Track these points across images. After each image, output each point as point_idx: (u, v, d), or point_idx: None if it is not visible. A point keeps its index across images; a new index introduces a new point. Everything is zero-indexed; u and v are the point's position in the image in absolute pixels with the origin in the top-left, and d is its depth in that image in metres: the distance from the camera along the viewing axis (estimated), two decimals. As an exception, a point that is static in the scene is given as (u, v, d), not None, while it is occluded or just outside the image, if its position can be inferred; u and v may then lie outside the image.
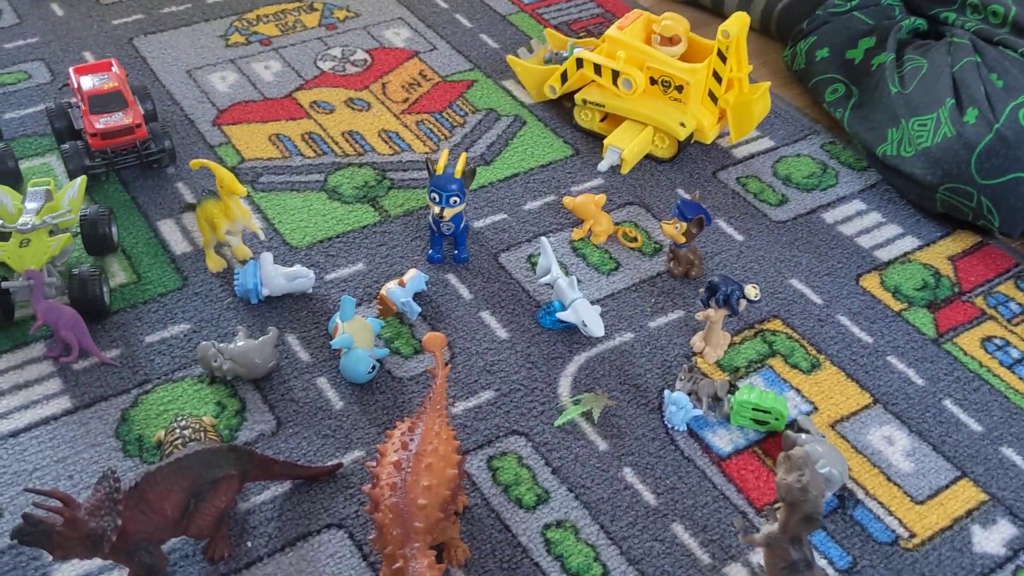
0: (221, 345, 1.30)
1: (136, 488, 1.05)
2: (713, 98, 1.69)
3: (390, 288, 1.41)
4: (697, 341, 1.40)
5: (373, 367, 1.31)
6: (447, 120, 1.80)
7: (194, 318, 1.41)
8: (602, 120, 1.77)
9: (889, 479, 1.26)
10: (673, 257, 1.51)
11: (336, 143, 1.73)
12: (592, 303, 1.45)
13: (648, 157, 1.73)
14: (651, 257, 1.55)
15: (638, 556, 1.15)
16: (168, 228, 1.55)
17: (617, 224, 1.60)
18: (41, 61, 1.89)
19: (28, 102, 1.79)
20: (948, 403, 1.35)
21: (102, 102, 1.56)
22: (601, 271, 1.52)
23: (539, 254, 1.54)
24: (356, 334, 1.32)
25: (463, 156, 1.47)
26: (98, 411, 1.28)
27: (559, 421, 1.29)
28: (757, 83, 1.72)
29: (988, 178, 1.49)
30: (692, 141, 1.74)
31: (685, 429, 1.29)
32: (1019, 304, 1.51)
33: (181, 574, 1.11)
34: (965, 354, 1.42)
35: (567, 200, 1.57)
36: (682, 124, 1.67)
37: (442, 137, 1.76)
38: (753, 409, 1.28)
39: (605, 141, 1.69)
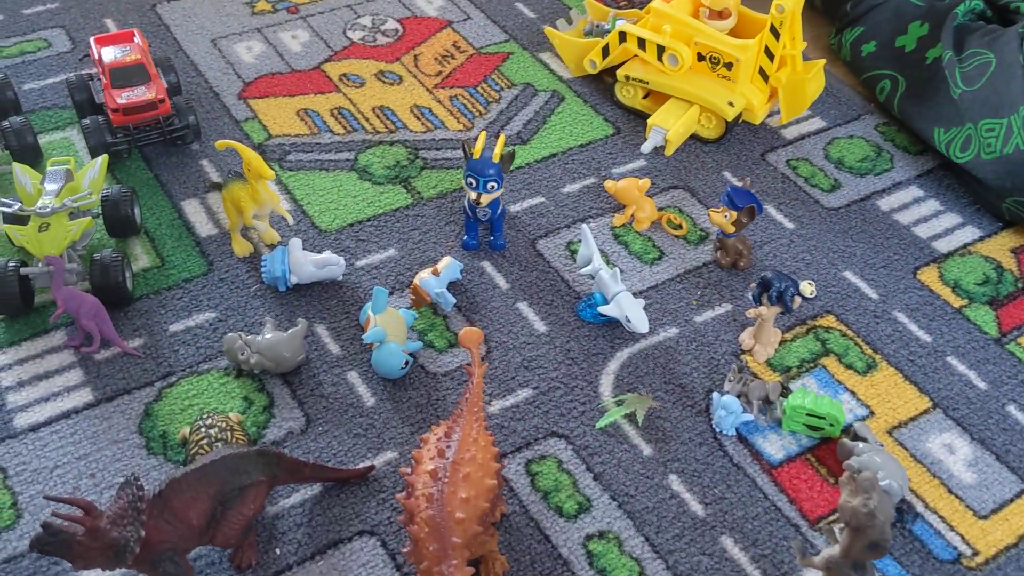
0: (248, 338, 1.24)
1: (160, 496, 1.00)
2: (764, 76, 1.60)
3: (423, 278, 1.34)
4: (746, 338, 1.33)
5: (406, 362, 1.25)
6: (482, 95, 1.72)
7: (220, 306, 1.35)
8: (644, 97, 1.68)
9: (950, 491, 1.19)
10: (720, 247, 1.44)
11: (367, 119, 1.66)
12: (635, 296, 1.37)
13: (693, 137, 1.65)
14: (696, 246, 1.48)
15: (685, 571, 1.10)
16: (193, 209, 1.48)
17: (661, 210, 1.52)
18: (61, 28, 1.82)
19: (48, 72, 1.72)
20: (1012, 408, 1.28)
21: (124, 75, 1.49)
22: (644, 260, 1.45)
23: (579, 242, 1.46)
24: (389, 327, 1.26)
25: (501, 138, 1.39)
26: (120, 405, 1.23)
27: (601, 423, 1.23)
28: (811, 60, 1.62)
29: None
30: (740, 121, 1.65)
31: (734, 434, 1.23)
32: (1087, 302, 1.43)
33: (207, 582, 1.07)
34: (1030, 356, 1.35)
35: (609, 184, 1.49)
36: (731, 103, 1.58)
37: (476, 114, 1.68)
38: (807, 414, 1.21)
39: (649, 121, 1.61)
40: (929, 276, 1.45)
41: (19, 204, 1.29)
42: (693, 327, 1.36)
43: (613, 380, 1.29)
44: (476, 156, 1.36)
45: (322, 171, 1.56)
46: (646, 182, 1.48)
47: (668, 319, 1.37)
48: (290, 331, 1.25)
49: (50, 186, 1.33)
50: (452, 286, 1.38)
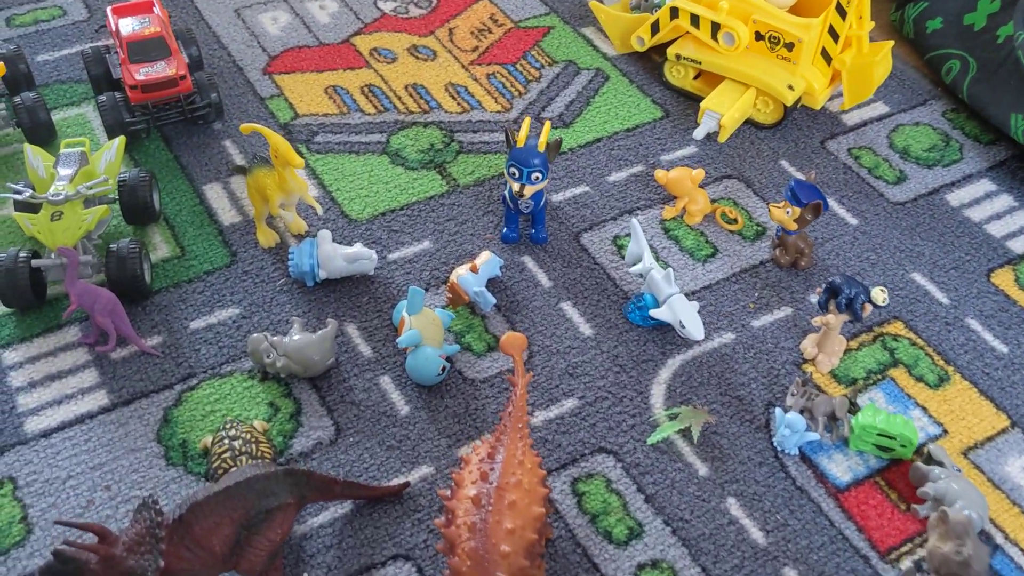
0: (275, 339, 1.16)
1: (181, 521, 0.92)
2: (827, 58, 1.49)
3: (461, 275, 1.25)
4: (809, 346, 1.23)
5: (443, 367, 1.16)
6: (521, 73, 1.62)
7: (244, 301, 1.26)
8: (696, 78, 1.57)
9: (1032, 521, 1.10)
10: (780, 244, 1.34)
11: (399, 98, 1.56)
12: (688, 297, 1.28)
13: (747, 123, 1.54)
14: (753, 242, 1.38)
15: (746, 607, 1.01)
16: (215, 194, 1.39)
17: (714, 202, 1.42)
18: (76, -5, 1.72)
19: (63, 42, 1.62)
20: (1098, 429, 1.18)
21: (142, 49, 1.40)
22: (696, 257, 1.35)
23: (627, 236, 1.37)
24: (424, 329, 1.17)
25: (547, 125, 1.29)
26: (138, 409, 1.15)
27: (653, 438, 1.14)
28: (878, 42, 1.50)
29: None
30: (799, 106, 1.54)
31: (797, 453, 1.14)
32: None
33: (230, 609, 0.99)
34: (1116, 370, 1.25)
35: (660, 174, 1.39)
36: (790, 87, 1.47)
37: (515, 93, 1.58)
38: (878, 434, 1.12)
39: (702, 104, 1.50)
40: (1004, 279, 1.34)
41: (30, 191, 1.20)
42: (750, 333, 1.26)
43: (665, 390, 1.19)
44: (520, 144, 1.26)
45: (352, 154, 1.46)
46: (700, 172, 1.37)
47: (723, 323, 1.27)
48: (319, 332, 1.16)
49: (63, 171, 1.24)
50: (491, 283, 1.29)
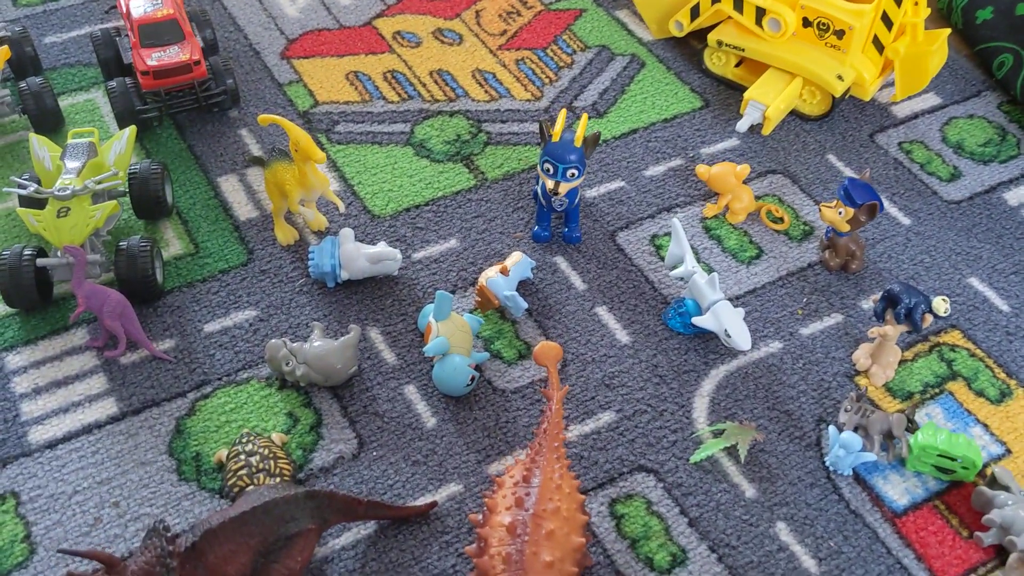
0: (294, 345, 1.09)
1: (193, 549, 0.85)
2: (878, 46, 1.40)
3: (491, 277, 1.17)
4: (861, 357, 1.16)
5: (472, 377, 1.09)
6: (552, 59, 1.53)
7: (261, 302, 1.19)
8: (737, 65, 1.49)
9: (1105, 551, 1.02)
10: (830, 246, 1.26)
11: (423, 85, 1.48)
12: (733, 303, 1.20)
13: (793, 114, 1.46)
14: (800, 242, 1.30)
15: (799, 644, 0.94)
16: (230, 186, 1.32)
17: (759, 199, 1.34)
18: (86, -27, 1.65)
19: (71, 23, 1.55)
20: None
21: (155, 33, 1.32)
22: (740, 259, 1.27)
23: (666, 236, 1.29)
24: (452, 336, 1.09)
25: (584, 118, 1.21)
26: (148, 419, 1.08)
27: (696, 456, 1.07)
28: (933, 30, 1.42)
29: None
30: (847, 96, 1.45)
31: (850, 474, 1.06)
32: None
33: (246, 639, 0.92)
34: None
35: (702, 170, 1.31)
36: (840, 77, 1.38)
37: (546, 81, 1.50)
38: (938, 455, 1.04)
39: (746, 95, 1.41)
40: (1068, 286, 1.26)
41: (35, 185, 1.13)
42: (799, 341, 1.19)
43: (708, 403, 1.12)
44: (555, 139, 1.18)
45: (375, 145, 1.39)
46: (745, 168, 1.29)
47: (770, 331, 1.20)
48: (341, 339, 1.09)
49: (71, 163, 1.17)
50: (522, 286, 1.22)
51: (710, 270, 1.26)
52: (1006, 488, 1.03)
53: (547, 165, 1.19)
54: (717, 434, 1.09)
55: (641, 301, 1.22)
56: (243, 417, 1.08)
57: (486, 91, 1.48)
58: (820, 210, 1.22)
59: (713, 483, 1.05)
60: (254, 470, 0.97)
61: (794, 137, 1.43)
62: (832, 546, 1.01)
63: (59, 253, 1.13)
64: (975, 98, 1.52)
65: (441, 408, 1.10)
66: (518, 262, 1.20)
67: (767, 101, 1.40)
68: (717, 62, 1.50)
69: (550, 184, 1.20)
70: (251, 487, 0.95)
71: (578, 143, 1.18)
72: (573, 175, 1.19)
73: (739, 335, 1.12)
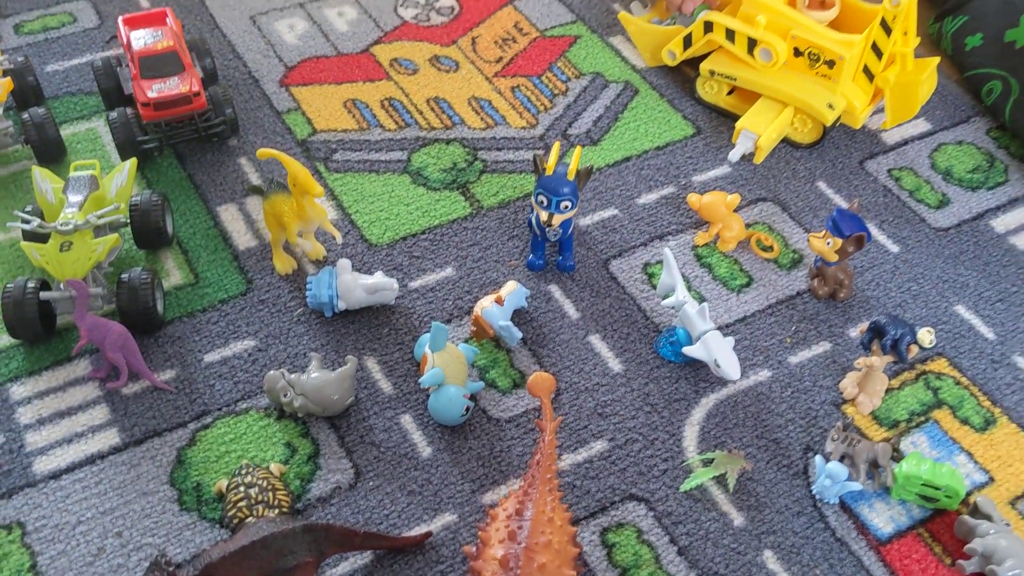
0: (292, 377, 1.11)
1: (194, 583, 0.88)
2: (869, 75, 1.42)
3: (486, 307, 1.20)
4: (849, 386, 1.18)
5: (467, 408, 1.11)
6: (546, 86, 1.56)
7: (260, 332, 1.22)
8: (729, 93, 1.51)
9: (1085, 579, 1.04)
10: (818, 275, 1.28)
11: (420, 112, 1.50)
12: (722, 331, 1.22)
13: (784, 142, 1.48)
14: (789, 270, 1.32)
15: (785, 672, 0.97)
16: (230, 215, 1.34)
17: (749, 227, 1.36)
18: (87, 1, 1.67)
19: (73, 51, 1.57)
20: None
21: (155, 64, 1.34)
22: (730, 287, 1.30)
23: (658, 264, 1.31)
24: (448, 367, 1.12)
25: (577, 151, 1.23)
26: (150, 449, 1.10)
27: (686, 485, 1.09)
28: (923, 59, 1.44)
29: None
30: (838, 124, 1.48)
31: (837, 502, 1.09)
32: None
33: (245, 668, 0.95)
34: None
35: (693, 199, 1.33)
36: (830, 106, 1.41)
37: (541, 108, 1.52)
38: (922, 484, 1.07)
39: (737, 124, 1.44)
40: (1053, 314, 1.29)
41: (38, 220, 1.16)
42: (787, 369, 1.21)
43: (698, 432, 1.14)
44: (549, 172, 1.21)
45: (372, 173, 1.41)
46: (735, 198, 1.32)
47: (759, 359, 1.22)
48: (338, 371, 1.11)
49: (73, 197, 1.19)
50: (517, 315, 1.24)
51: (701, 298, 1.28)
52: (988, 517, 1.05)
53: (541, 197, 1.21)
54: (707, 463, 1.11)
55: (633, 330, 1.24)
56: (242, 447, 1.11)
57: (482, 119, 1.50)
58: (809, 240, 1.25)
59: (703, 512, 1.07)
60: (253, 501, 0.99)
61: (785, 165, 1.46)
62: (818, 574, 1.03)
63: (62, 286, 1.16)
64: (964, 124, 1.54)
65: (437, 438, 1.13)
66: (513, 291, 1.22)
67: (759, 130, 1.42)
68: (709, 90, 1.52)
69: (544, 215, 1.22)
70: (251, 519, 0.98)
71: (571, 176, 1.21)
72: (566, 207, 1.21)
73: (728, 365, 1.15)
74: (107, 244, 1.16)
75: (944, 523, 1.08)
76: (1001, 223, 1.40)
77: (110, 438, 1.11)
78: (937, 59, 1.44)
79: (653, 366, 1.21)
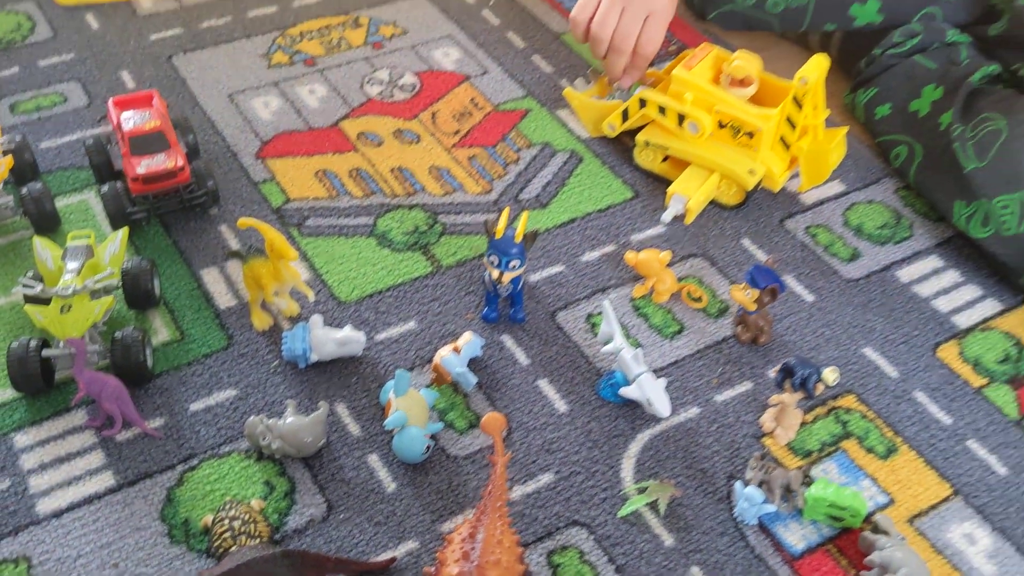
0: (270, 422, 1.24)
1: (186, 602, 1.00)
2: (785, 144, 1.60)
3: (444, 356, 1.34)
4: (767, 420, 1.33)
5: (428, 446, 1.25)
6: (500, 155, 1.72)
7: (240, 383, 1.35)
8: (664, 160, 1.68)
9: (972, 585, 1.19)
10: (741, 322, 1.44)
11: (385, 181, 1.66)
12: (656, 373, 1.37)
13: (712, 203, 1.65)
14: (716, 319, 1.47)
15: (708, 672, 1.10)
16: (212, 278, 1.48)
17: (680, 281, 1.52)
18: (77, 82, 1.82)
19: (64, 129, 1.72)
20: (1034, 496, 1.28)
21: (144, 143, 1.49)
22: (664, 334, 1.45)
23: (599, 315, 1.46)
24: (410, 410, 1.25)
25: (524, 216, 1.39)
26: (142, 490, 1.23)
27: (623, 511, 1.23)
28: (833, 129, 1.62)
29: None
30: (759, 188, 1.65)
31: (756, 523, 1.23)
32: (1108, 382, 1.42)
33: None
34: (1051, 440, 1.35)
35: (629, 256, 1.49)
36: (751, 172, 1.58)
37: (495, 175, 1.68)
38: (828, 505, 1.21)
39: (669, 189, 1.60)
40: (949, 353, 1.45)
41: (41, 285, 1.29)
42: (714, 407, 1.36)
43: (634, 464, 1.28)
44: (498, 235, 1.36)
45: (341, 237, 1.56)
46: (667, 254, 1.48)
47: (689, 398, 1.37)
48: (311, 415, 1.25)
49: (71, 264, 1.33)
50: (473, 363, 1.38)
51: (638, 344, 1.43)
52: (886, 533, 1.19)
53: (492, 258, 1.37)
54: (641, 491, 1.25)
55: (577, 374, 1.39)
56: (226, 486, 1.23)
57: (442, 186, 1.66)
58: (731, 292, 1.40)
59: (637, 534, 1.21)
60: (236, 532, 1.12)
61: (713, 224, 1.62)
62: (739, 587, 1.17)
63: (62, 344, 1.29)
64: (875, 184, 1.72)
65: (400, 474, 1.26)
66: (469, 341, 1.37)
67: (689, 194, 1.59)
68: (646, 158, 1.69)
69: (495, 274, 1.37)
70: (234, 548, 1.10)
71: (518, 239, 1.36)
72: (515, 266, 1.37)
73: (659, 403, 1.29)
74: (103, 306, 1.30)
75: (849, 539, 1.22)
76: (906, 273, 1.56)
77: (106, 480, 1.23)
78: (845, 129, 1.62)
79: (595, 406, 1.35)
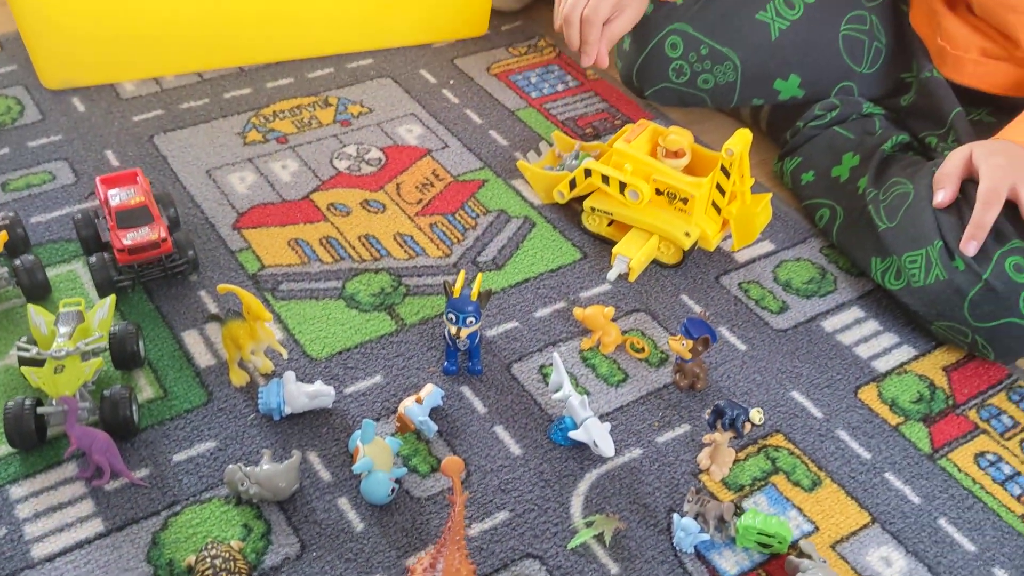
0: (248, 469, 1.36)
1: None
2: (716, 208, 1.76)
3: (408, 406, 1.46)
4: (703, 459, 1.46)
5: (393, 489, 1.37)
6: (459, 222, 1.87)
7: (219, 435, 1.46)
8: (609, 224, 1.83)
9: (888, 603, 1.32)
10: (679, 370, 1.57)
11: (353, 247, 1.79)
12: (602, 419, 1.50)
13: (654, 263, 1.80)
14: (657, 368, 1.61)
15: None
16: (192, 339, 1.60)
17: (625, 333, 1.66)
18: (64, 161, 1.95)
19: (53, 205, 1.85)
20: (943, 522, 1.41)
21: (129, 217, 1.62)
22: (610, 383, 1.58)
23: (551, 367, 1.60)
24: (376, 456, 1.37)
25: (479, 277, 1.53)
26: (129, 535, 1.33)
27: (572, 543, 1.35)
28: (759, 194, 1.78)
29: (981, 321, 1.54)
30: (696, 248, 1.80)
31: (693, 551, 1.35)
32: (1011, 417, 1.57)
33: None
34: (959, 470, 1.48)
35: (577, 312, 1.63)
36: (687, 234, 1.73)
37: (455, 240, 1.82)
38: (758, 533, 1.34)
39: (613, 250, 1.75)
40: (869, 395, 1.59)
41: (36, 348, 1.41)
42: (655, 447, 1.49)
43: (583, 501, 1.41)
44: (456, 295, 1.49)
45: (312, 300, 1.69)
46: (611, 310, 1.62)
47: (632, 440, 1.50)
48: (285, 462, 1.36)
49: (63, 328, 1.45)
50: (434, 412, 1.50)
51: (587, 392, 1.56)
52: (809, 556, 1.32)
53: (450, 315, 1.50)
54: (589, 525, 1.37)
55: (531, 420, 1.52)
56: (207, 529, 1.34)
57: (405, 251, 1.80)
58: (668, 342, 1.54)
59: (585, 564, 1.33)
60: (218, 570, 1.22)
61: (654, 281, 1.77)
62: (678, 609, 1.29)
63: (55, 402, 1.40)
64: (802, 244, 1.88)
65: (368, 515, 1.37)
66: (430, 393, 1.49)
67: (631, 254, 1.74)
68: (593, 223, 1.84)
69: (453, 330, 1.50)
70: (216, 583, 1.21)
71: (474, 297, 1.50)
72: (471, 322, 1.50)
73: (604, 444, 1.42)
74: (92, 366, 1.41)
75: (777, 564, 1.34)
76: (830, 324, 1.72)
77: (95, 526, 1.33)
78: (769, 195, 1.79)
79: (546, 449, 1.47)
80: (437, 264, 1.78)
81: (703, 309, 1.57)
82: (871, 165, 1.80)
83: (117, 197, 1.65)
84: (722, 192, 1.73)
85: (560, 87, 2.26)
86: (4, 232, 1.63)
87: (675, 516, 1.36)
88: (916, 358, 1.66)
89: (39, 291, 1.62)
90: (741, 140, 1.67)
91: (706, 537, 1.35)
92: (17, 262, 1.62)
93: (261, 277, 1.73)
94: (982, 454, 1.51)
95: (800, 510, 1.42)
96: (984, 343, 1.57)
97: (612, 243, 1.81)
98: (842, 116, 1.93)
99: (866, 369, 1.63)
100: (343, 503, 1.38)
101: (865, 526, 1.40)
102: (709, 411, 1.45)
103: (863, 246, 1.75)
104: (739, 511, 1.38)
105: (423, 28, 2.35)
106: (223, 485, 1.39)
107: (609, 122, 2.16)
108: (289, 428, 1.48)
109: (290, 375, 1.47)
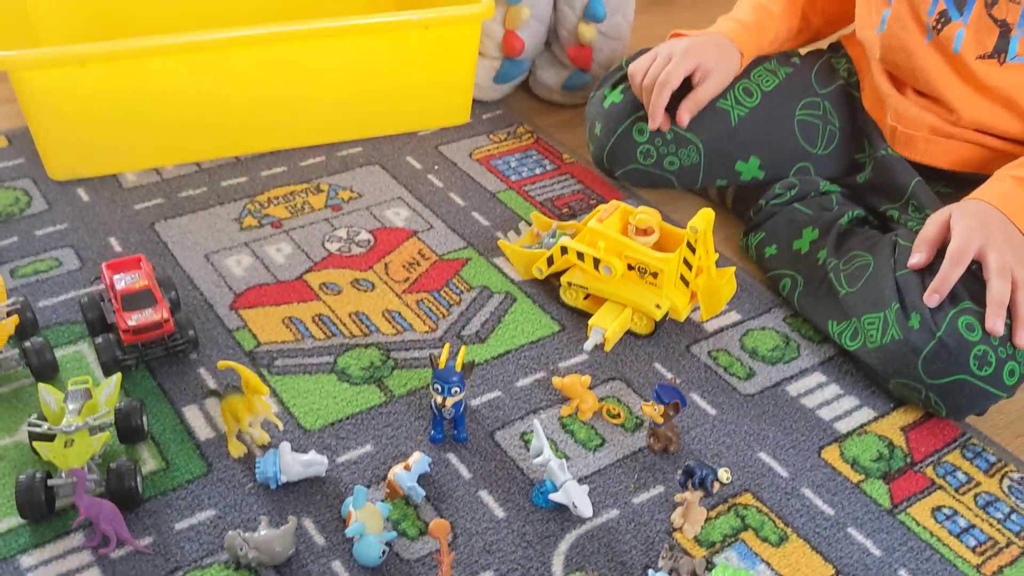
0: (246, 535, 1.44)
1: None
2: (685, 282, 1.88)
3: (397, 473, 1.55)
4: (677, 517, 1.55)
5: (384, 552, 1.45)
6: (444, 299, 1.98)
7: (219, 504, 1.54)
8: (585, 298, 1.95)
9: (852, 650, 1.39)
10: (652, 434, 1.67)
11: (344, 324, 1.90)
12: (581, 482, 1.59)
13: (628, 333, 1.91)
14: (632, 432, 1.71)
15: None
16: (193, 414, 1.70)
17: (601, 400, 1.76)
18: (70, 248, 2.06)
19: (60, 290, 1.95)
20: (903, 573, 1.50)
21: (134, 300, 1.72)
22: (588, 447, 1.68)
23: (532, 433, 1.69)
24: (367, 521, 1.46)
25: (463, 349, 1.63)
26: (134, 600, 1.41)
27: (553, 600, 1.43)
28: (723, 268, 1.91)
29: (934, 378, 1.64)
30: (667, 319, 1.92)
31: (667, 605, 1.43)
32: (965, 473, 1.67)
33: None
34: (918, 524, 1.57)
35: (556, 381, 1.73)
36: (658, 306, 1.85)
37: (440, 316, 1.93)
38: (727, 586, 1.42)
39: (589, 322, 1.87)
40: (831, 454, 1.69)
41: (47, 424, 1.50)
42: (631, 508, 1.57)
43: (564, 560, 1.49)
44: (441, 366, 1.60)
45: (305, 375, 1.79)
46: (587, 378, 1.72)
47: (610, 501, 1.58)
48: (282, 528, 1.44)
49: (72, 405, 1.54)
50: (422, 478, 1.59)
51: (566, 457, 1.66)
52: (776, 607, 1.41)
53: (436, 386, 1.60)
54: (568, 582, 1.45)
55: (513, 484, 1.61)
56: (208, 593, 1.42)
57: (393, 326, 1.90)
58: (641, 407, 1.65)
59: (566, 619, 1.41)
60: (219, 630, 1.30)
61: (629, 350, 1.88)
62: (654, 660, 1.36)
63: (64, 474, 1.48)
64: (767, 313, 2.00)
65: (360, 576, 1.45)
66: (418, 460, 1.58)
67: (606, 326, 1.85)
68: (570, 297, 1.96)
69: (439, 400, 1.60)
70: (217, 643, 1.28)
71: (458, 368, 1.60)
72: (456, 392, 1.60)
73: (583, 505, 1.51)
74: (100, 440, 1.50)
75: (748, 615, 1.43)
76: (794, 388, 1.82)
77: (102, 593, 1.41)
78: (734, 268, 1.91)
79: (528, 511, 1.56)
80: (423, 338, 1.88)
81: (673, 376, 1.67)
82: (829, 238, 1.93)
83: (122, 281, 1.75)
84: (689, 266, 1.85)
85: (538, 170, 2.41)
86: (15, 316, 1.73)
87: (650, 572, 1.44)
88: (875, 419, 1.76)
89: (48, 371, 1.72)
90: (704, 218, 1.80)
91: (679, 591, 1.43)
92: (27, 344, 1.72)
93: (257, 354, 1.83)
94: (939, 508, 1.60)
95: (768, 564, 1.50)
96: (937, 399, 1.67)
97: (588, 316, 1.92)
98: (801, 194, 2.07)
99: (828, 430, 1.74)
100: (337, 566, 1.46)
101: (829, 578, 1.49)
102: (680, 472, 1.54)
103: (822, 310, 1.87)
104: (710, 566, 1.47)
105: (409, 117, 2.50)
106: (223, 551, 1.47)
107: (584, 202, 2.29)
108: (285, 496, 1.56)
109: (285, 446, 1.56)
